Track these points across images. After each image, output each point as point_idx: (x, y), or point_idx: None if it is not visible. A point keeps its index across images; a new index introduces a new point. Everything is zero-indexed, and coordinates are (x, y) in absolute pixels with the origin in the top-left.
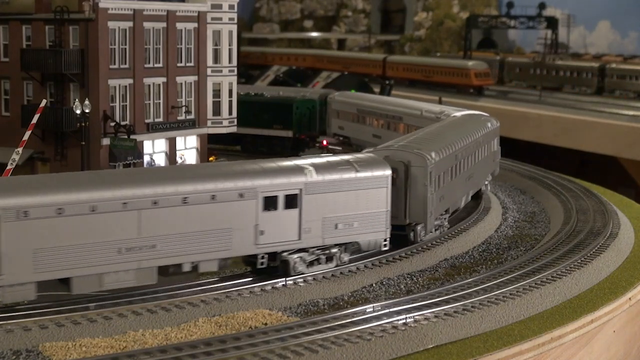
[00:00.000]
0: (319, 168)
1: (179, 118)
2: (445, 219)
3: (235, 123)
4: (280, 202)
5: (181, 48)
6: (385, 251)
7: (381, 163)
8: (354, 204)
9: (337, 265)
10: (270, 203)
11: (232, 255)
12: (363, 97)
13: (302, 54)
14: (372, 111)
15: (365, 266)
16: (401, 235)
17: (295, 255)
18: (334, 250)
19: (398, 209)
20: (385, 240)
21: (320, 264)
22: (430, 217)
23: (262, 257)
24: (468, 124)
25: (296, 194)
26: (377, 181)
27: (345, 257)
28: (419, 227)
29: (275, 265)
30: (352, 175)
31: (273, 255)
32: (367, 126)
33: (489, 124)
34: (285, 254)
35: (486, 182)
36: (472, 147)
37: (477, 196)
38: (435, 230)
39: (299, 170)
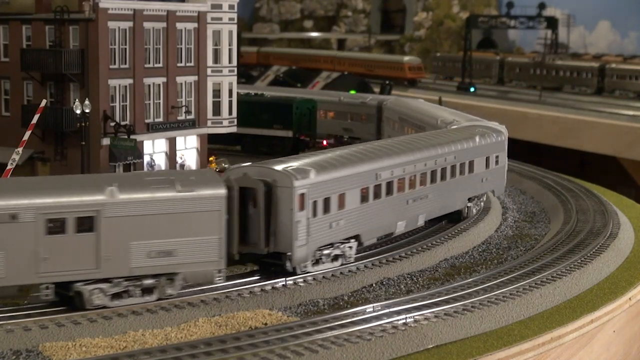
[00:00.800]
0: (125, 186)
1: (179, 118)
2: (351, 247)
3: (235, 123)
4: (70, 225)
5: (181, 48)
6: (385, 251)
7: (214, 182)
8: (173, 228)
9: (159, 299)
10: (56, 226)
11: (7, 284)
12: (404, 105)
13: (254, 52)
14: (407, 119)
15: (365, 266)
16: (278, 265)
17: (93, 286)
18: (150, 281)
19: (256, 235)
20: (219, 271)
21: (132, 296)
22: (302, 246)
23: (47, 287)
24: (441, 137)
25: (92, 216)
26: (206, 203)
27: (171, 290)
28: None
29: (71, 296)
30: (170, 194)
31: (66, 285)
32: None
33: (479, 139)
34: (79, 284)
35: (469, 205)
36: (424, 165)
37: (456, 218)
38: (333, 260)
39: (97, 188)
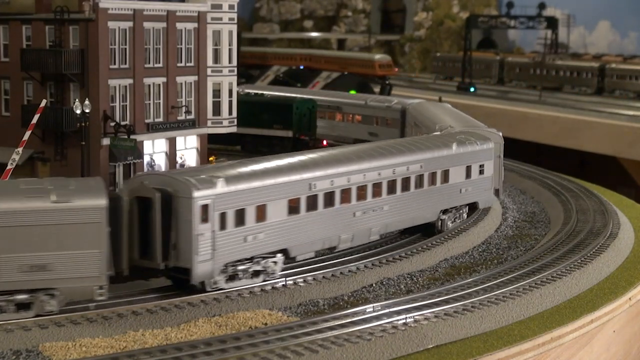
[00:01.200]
0: None
1: (179, 118)
2: (275, 262)
3: (235, 123)
4: None
5: (181, 48)
6: (385, 251)
7: (95, 191)
8: (48, 241)
9: (37, 315)
10: None
11: None
12: (421, 109)
13: None
14: (418, 124)
15: (365, 266)
16: (185, 280)
17: None
18: (23, 296)
19: (152, 249)
20: (101, 287)
21: (4, 312)
22: (205, 261)
23: None
24: (406, 145)
25: None
26: (84, 214)
27: (51, 307)
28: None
29: None
30: (43, 205)
31: None
32: None
33: (456, 147)
34: None
35: (443, 217)
36: (378, 174)
37: (430, 232)
38: (253, 276)
39: None
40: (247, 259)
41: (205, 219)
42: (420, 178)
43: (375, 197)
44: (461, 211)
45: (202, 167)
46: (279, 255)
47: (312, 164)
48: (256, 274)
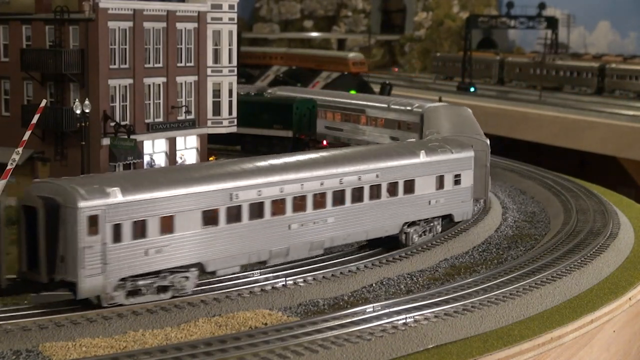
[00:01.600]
0: None
1: (179, 118)
2: (187, 277)
3: (235, 123)
4: None
5: (181, 48)
6: (385, 251)
7: None
8: None
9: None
10: None
11: None
12: (433, 113)
13: None
14: (424, 129)
15: (365, 266)
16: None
17: None
18: None
19: (38, 261)
20: None
21: None
22: (93, 275)
23: None
24: (363, 153)
25: None
26: None
27: None
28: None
29: None
30: None
31: None
32: None
33: (424, 155)
34: None
35: (408, 230)
36: (320, 184)
37: (394, 245)
38: (159, 292)
39: None
40: (152, 274)
41: (94, 230)
42: (376, 188)
43: (317, 209)
44: (432, 224)
45: (102, 175)
46: (192, 269)
47: (235, 173)
48: (163, 289)
